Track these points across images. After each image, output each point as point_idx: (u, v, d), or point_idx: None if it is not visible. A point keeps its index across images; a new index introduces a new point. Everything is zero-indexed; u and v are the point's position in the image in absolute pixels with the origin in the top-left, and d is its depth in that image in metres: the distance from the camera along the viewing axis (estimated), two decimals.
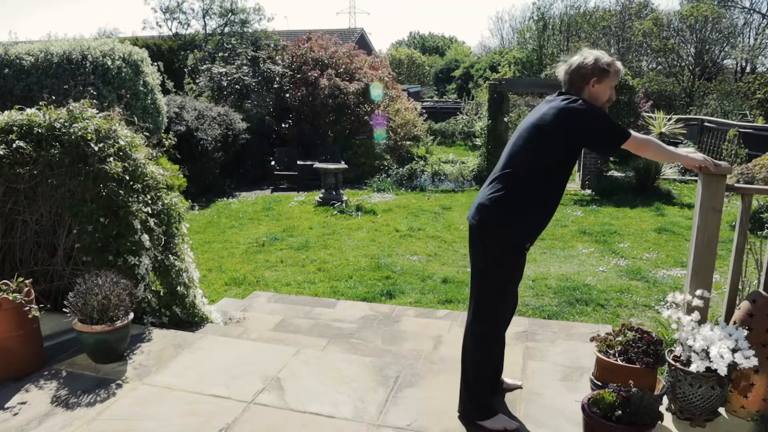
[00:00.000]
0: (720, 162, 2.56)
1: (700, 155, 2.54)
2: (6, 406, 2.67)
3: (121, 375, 2.98)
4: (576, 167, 14.31)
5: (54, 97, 3.73)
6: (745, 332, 2.41)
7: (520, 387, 2.85)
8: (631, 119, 12.47)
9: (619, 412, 2.17)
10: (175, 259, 3.87)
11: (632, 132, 2.41)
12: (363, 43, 26.83)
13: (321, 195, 10.44)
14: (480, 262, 2.51)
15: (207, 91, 14.01)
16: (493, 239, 2.45)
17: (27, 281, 2.98)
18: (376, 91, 14.51)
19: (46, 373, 2.99)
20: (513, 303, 2.74)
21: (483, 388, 2.58)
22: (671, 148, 2.54)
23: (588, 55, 2.44)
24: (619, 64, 2.47)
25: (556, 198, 2.49)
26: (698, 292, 2.62)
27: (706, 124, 14.07)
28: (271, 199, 11.06)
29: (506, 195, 2.41)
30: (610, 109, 11.24)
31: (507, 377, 2.86)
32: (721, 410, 2.59)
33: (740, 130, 12.29)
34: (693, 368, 2.36)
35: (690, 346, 2.44)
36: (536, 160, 2.41)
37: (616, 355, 2.51)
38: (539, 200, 2.45)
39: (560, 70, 2.52)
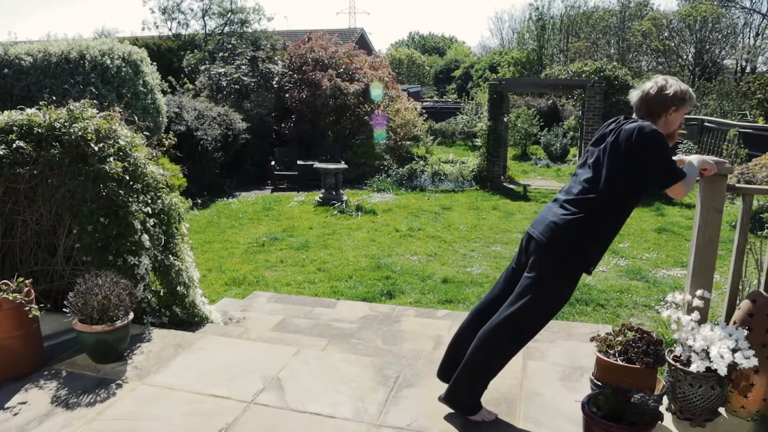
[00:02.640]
0: (721, 160, 2.56)
1: (709, 160, 2.54)
2: (6, 406, 2.67)
3: (121, 375, 2.98)
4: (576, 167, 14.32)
5: (54, 97, 3.74)
6: (745, 332, 2.41)
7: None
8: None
9: (619, 412, 2.17)
10: (175, 259, 3.87)
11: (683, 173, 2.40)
12: (363, 43, 26.84)
13: (321, 195, 10.45)
14: (538, 279, 2.47)
15: (205, 90, 14.01)
16: (561, 261, 2.44)
17: (27, 281, 2.98)
18: (376, 91, 14.51)
19: (46, 373, 2.99)
20: None
21: (483, 389, 2.59)
22: (690, 172, 2.51)
23: (664, 82, 2.45)
24: (692, 91, 2.50)
25: (623, 221, 2.50)
26: (698, 292, 2.62)
27: (706, 124, 14.07)
28: (271, 199, 11.06)
29: (582, 220, 2.40)
30: (610, 109, 11.23)
31: (507, 378, 2.86)
32: (721, 410, 2.59)
33: (740, 130, 12.28)
34: (693, 368, 2.36)
35: (690, 346, 2.44)
36: (614, 185, 2.39)
37: (616, 355, 2.51)
38: (612, 226, 2.46)
39: (633, 96, 2.53)
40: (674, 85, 2.45)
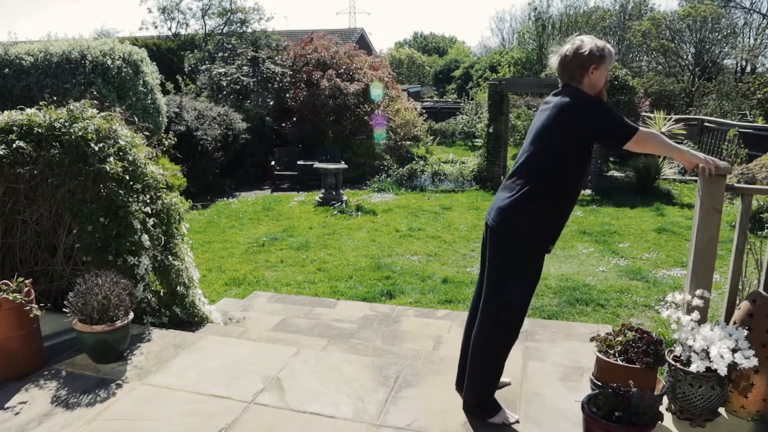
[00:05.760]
0: (720, 162, 2.56)
1: (702, 155, 2.53)
2: (6, 406, 2.67)
3: (121, 375, 2.98)
4: None
5: (54, 97, 3.73)
6: (745, 332, 2.41)
7: (509, 384, 2.87)
8: (631, 119, 12.47)
9: (619, 412, 2.17)
10: (175, 259, 3.87)
11: (639, 127, 2.38)
12: (363, 43, 26.84)
13: (321, 195, 10.44)
14: (499, 266, 2.49)
15: (206, 90, 14.00)
16: (514, 243, 2.44)
17: (27, 281, 2.98)
18: (376, 91, 14.51)
19: (46, 373, 2.99)
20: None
21: (492, 389, 2.60)
22: (674, 143, 2.52)
23: (580, 42, 2.42)
24: (609, 46, 2.46)
25: (573, 198, 2.49)
26: (698, 292, 2.62)
27: (706, 124, 14.07)
28: (271, 199, 11.06)
29: (524, 198, 2.40)
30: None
31: (506, 378, 2.87)
32: (721, 410, 2.59)
33: (740, 130, 12.29)
34: (693, 368, 2.36)
35: (690, 346, 2.44)
36: (550, 160, 2.40)
37: (616, 355, 2.51)
38: (557, 201, 2.44)
39: (553, 61, 2.49)
40: (589, 43, 2.41)
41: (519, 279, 2.48)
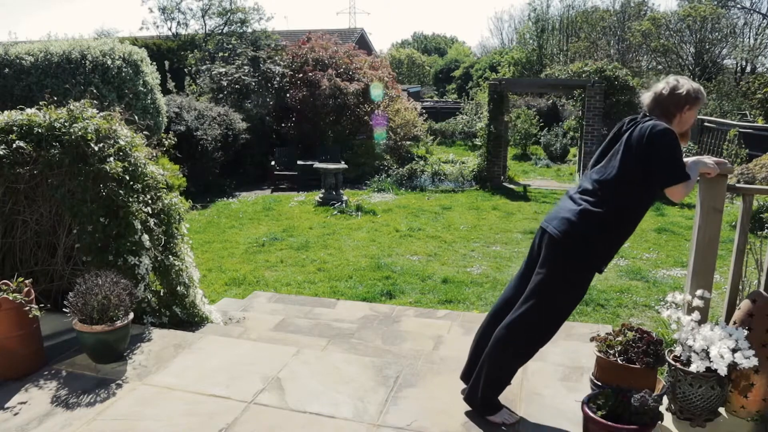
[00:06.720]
0: (721, 160, 2.56)
1: (710, 162, 2.53)
2: (6, 406, 2.67)
3: (121, 375, 2.98)
4: (576, 167, 14.34)
5: (55, 97, 3.73)
6: (746, 332, 2.41)
7: (509, 384, 2.85)
8: None
9: (619, 412, 2.17)
10: (175, 259, 3.87)
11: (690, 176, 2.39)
12: (363, 43, 26.83)
13: (321, 195, 10.44)
14: (551, 273, 2.46)
15: (208, 92, 14.00)
16: (573, 256, 2.43)
17: (27, 281, 2.98)
18: (376, 91, 14.51)
19: (46, 373, 2.99)
20: None
21: (500, 389, 2.60)
22: (690, 174, 2.50)
23: (676, 82, 2.47)
24: (703, 89, 2.53)
25: (638, 220, 2.51)
26: (698, 292, 2.62)
27: (706, 124, 14.06)
28: (271, 199, 11.06)
29: (592, 215, 2.40)
30: (610, 109, 11.18)
31: None
32: (721, 410, 2.59)
33: (740, 130, 12.28)
34: (693, 368, 2.36)
35: (690, 346, 2.44)
36: (627, 181, 2.40)
37: (616, 355, 2.51)
38: (623, 224, 2.46)
39: (646, 97, 2.55)
40: (686, 84, 2.47)
41: (566, 290, 2.47)
